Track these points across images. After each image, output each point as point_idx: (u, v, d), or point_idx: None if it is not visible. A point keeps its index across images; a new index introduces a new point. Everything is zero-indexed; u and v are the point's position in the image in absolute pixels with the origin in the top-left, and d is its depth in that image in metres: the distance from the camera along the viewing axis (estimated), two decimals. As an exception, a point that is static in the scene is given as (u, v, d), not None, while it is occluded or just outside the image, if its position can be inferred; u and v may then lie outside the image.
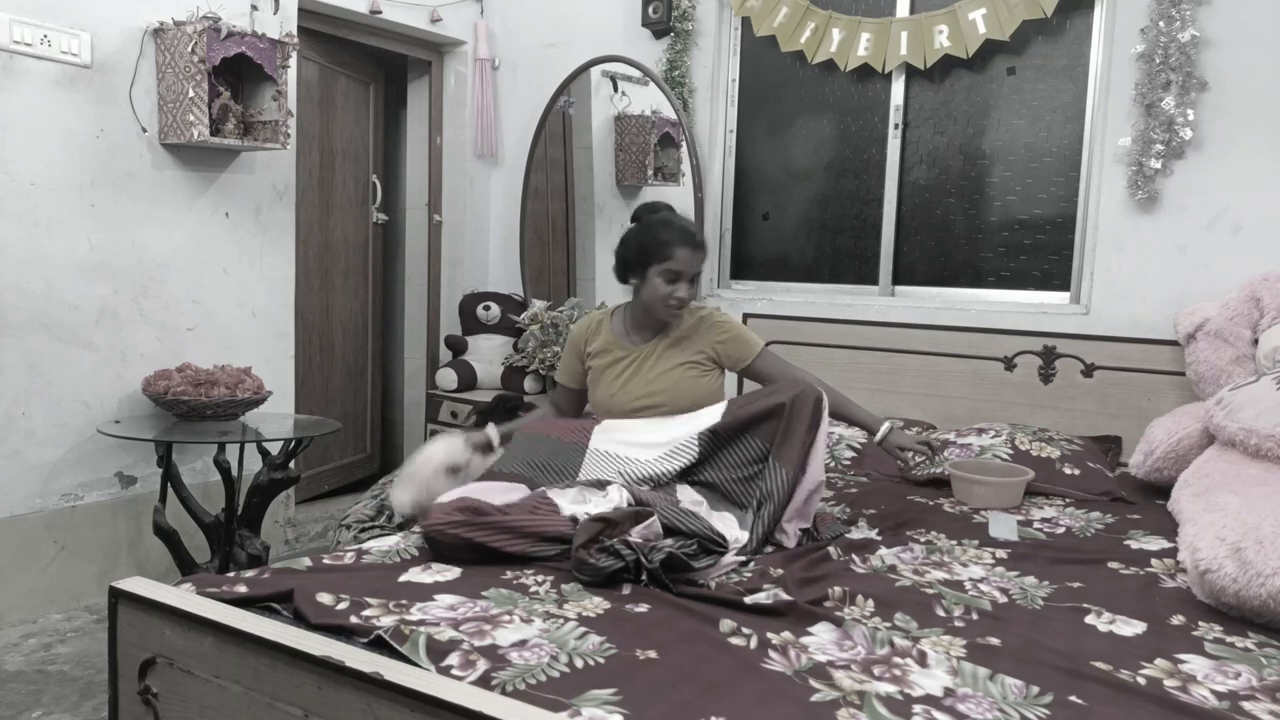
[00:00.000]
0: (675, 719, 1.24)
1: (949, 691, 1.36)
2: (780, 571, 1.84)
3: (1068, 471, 2.69)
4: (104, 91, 2.96)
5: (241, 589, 1.62)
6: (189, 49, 2.95)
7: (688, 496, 2.10)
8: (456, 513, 1.88)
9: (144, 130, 3.06)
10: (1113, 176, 3.13)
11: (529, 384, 4.08)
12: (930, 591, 1.80)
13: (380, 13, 3.87)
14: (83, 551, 3.03)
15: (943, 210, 3.57)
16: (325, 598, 1.57)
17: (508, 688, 1.30)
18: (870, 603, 1.71)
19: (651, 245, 2.35)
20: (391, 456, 4.56)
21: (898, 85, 3.58)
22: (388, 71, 4.45)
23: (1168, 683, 1.43)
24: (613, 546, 1.76)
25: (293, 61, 3.19)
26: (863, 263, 3.73)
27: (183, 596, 1.56)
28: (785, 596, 1.68)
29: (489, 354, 4.26)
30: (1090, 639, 1.61)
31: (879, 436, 2.46)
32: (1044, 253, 3.39)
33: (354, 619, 1.50)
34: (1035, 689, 1.37)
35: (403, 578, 1.75)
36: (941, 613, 1.70)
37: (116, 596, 1.58)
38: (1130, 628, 1.66)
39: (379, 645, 1.41)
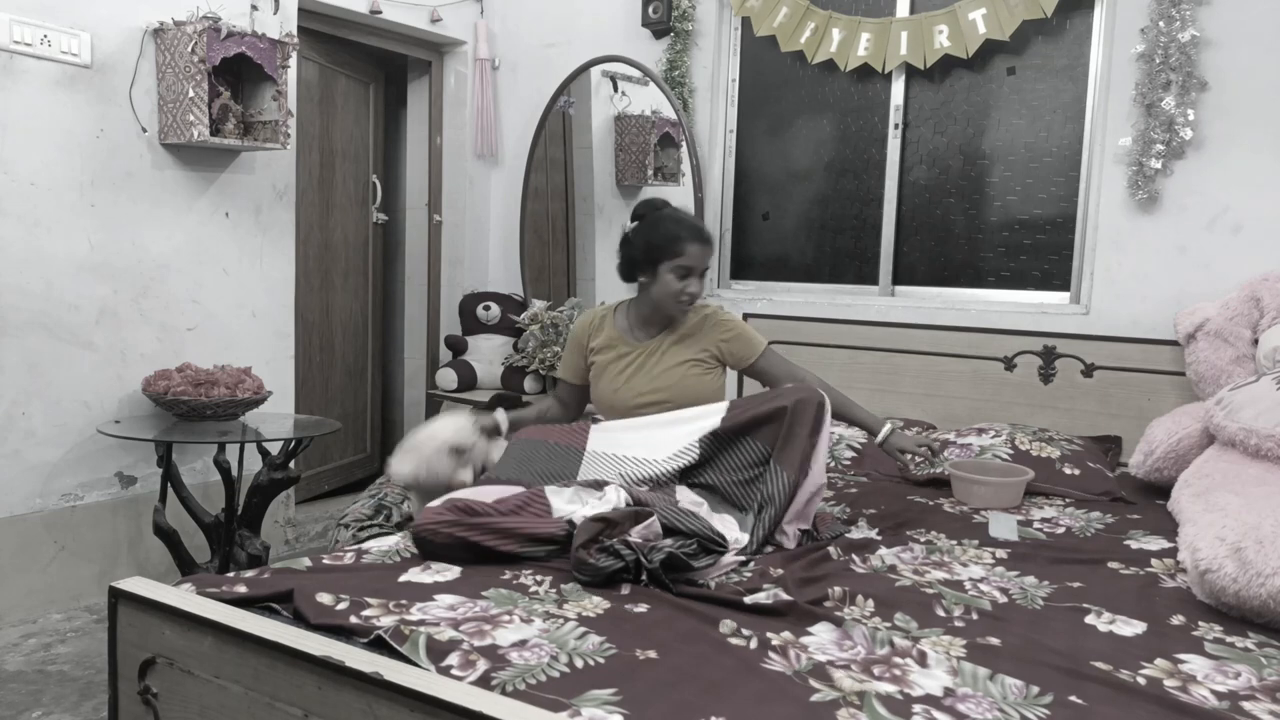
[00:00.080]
0: (675, 719, 1.24)
1: (949, 691, 1.36)
2: (780, 571, 1.84)
3: (1068, 471, 2.69)
4: (104, 91, 2.96)
5: (241, 589, 1.62)
6: (189, 49, 2.95)
7: (686, 498, 2.10)
8: (447, 513, 1.88)
9: (144, 130, 3.06)
10: (1113, 176, 3.13)
11: (529, 384, 4.08)
12: (930, 591, 1.80)
13: (380, 13, 3.87)
14: (83, 551, 3.03)
15: (943, 210, 3.57)
16: (325, 598, 1.57)
17: (508, 688, 1.30)
18: (870, 603, 1.71)
19: (662, 242, 2.35)
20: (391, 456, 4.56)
21: (898, 85, 3.59)
22: (388, 71, 4.45)
23: (1168, 683, 1.43)
24: (613, 547, 1.76)
25: (293, 61, 3.20)
26: (863, 263, 3.73)
27: (183, 596, 1.56)
28: (785, 596, 1.68)
29: (489, 354, 4.26)
30: (1090, 639, 1.61)
31: (880, 438, 2.45)
32: (1044, 253, 3.39)
33: (354, 619, 1.50)
34: (1035, 689, 1.37)
35: (403, 578, 1.75)
36: (941, 613, 1.70)
37: (116, 596, 1.58)
38: (1130, 628, 1.66)
39: (379, 645, 1.41)
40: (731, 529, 2.01)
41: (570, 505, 1.95)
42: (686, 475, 2.16)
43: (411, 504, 2.44)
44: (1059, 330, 3.21)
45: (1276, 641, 1.63)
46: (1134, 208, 3.10)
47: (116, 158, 3.01)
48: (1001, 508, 2.46)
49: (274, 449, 2.98)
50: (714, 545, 1.86)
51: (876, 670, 1.43)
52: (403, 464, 2.26)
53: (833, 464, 2.92)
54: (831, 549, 2.03)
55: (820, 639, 1.55)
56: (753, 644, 1.50)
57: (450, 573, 1.78)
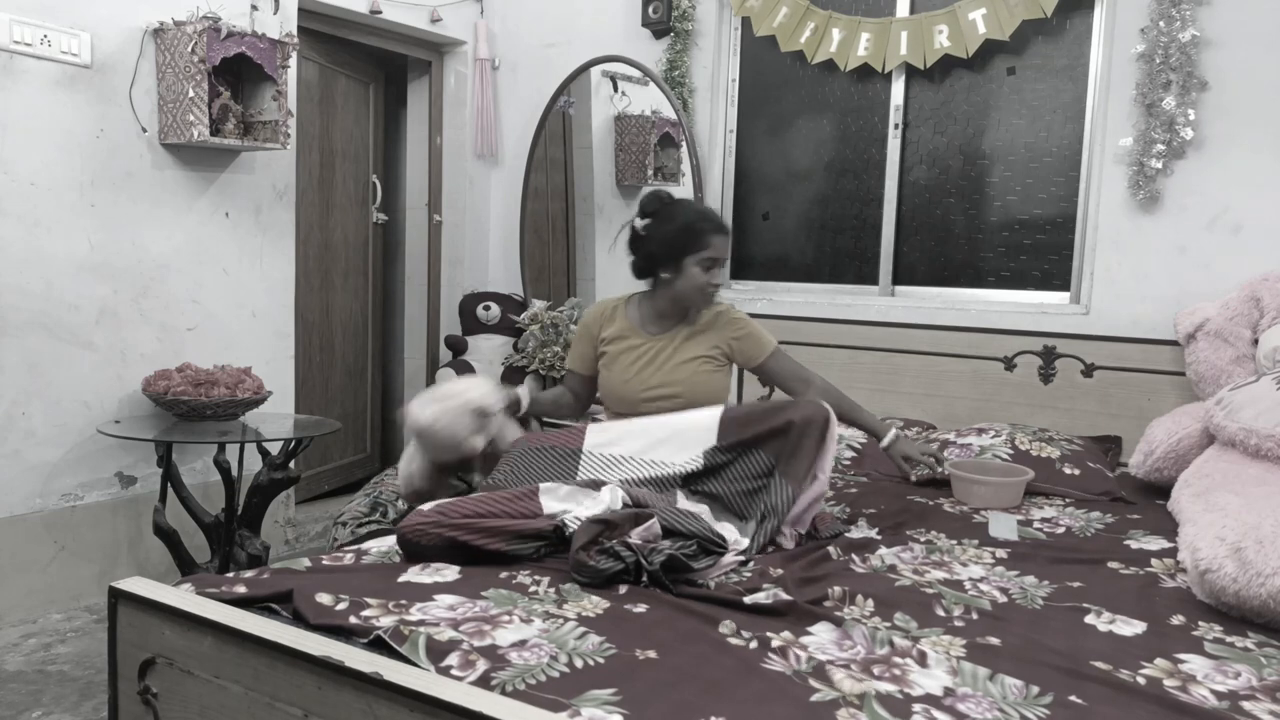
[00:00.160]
0: (675, 719, 1.24)
1: (949, 691, 1.36)
2: (780, 571, 1.84)
3: (1068, 471, 2.69)
4: (104, 91, 2.96)
5: (241, 589, 1.62)
6: (189, 49, 2.95)
7: (686, 503, 2.09)
8: (433, 513, 1.87)
9: (144, 130, 3.06)
10: (1113, 176, 3.13)
11: (529, 384, 4.08)
12: (930, 591, 1.80)
13: (380, 13, 3.87)
14: (83, 551, 3.03)
15: (943, 210, 3.57)
16: (325, 598, 1.56)
17: (507, 688, 1.30)
18: (870, 602, 1.71)
19: (685, 235, 2.36)
20: (391, 457, 4.56)
21: (898, 85, 3.59)
22: (388, 71, 4.45)
23: (1168, 683, 1.43)
24: (612, 548, 1.76)
25: (293, 61, 3.20)
26: (863, 263, 3.73)
27: (182, 596, 1.56)
28: (785, 596, 1.68)
29: (489, 354, 4.25)
30: (1090, 639, 1.61)
31: (885, 443, 2.45)
32: (1044, 253, 3.39)
33: (353, 619, 1.50)
34: (1035, 689, 1.37)
35: (402, 578, 1.74)
36: (941, 612, 1.70)
37: (116, 596, 1.58)
38: (1130, 627, 1.66)
39: (378, 645, 1.41)
40: (731, 534, 2.00)
41: (563, 504, 1.93)
42: (689, 481, 2.14)
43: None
44: (1059, 330, 3.21)
45: (1276, 641, 1.63)
46: (1134, 208, 3.10)
47: (116, 158, 3.01)
48: (1001, 508, 2.46)
49: (274, 449, 2.98)
50: (714, 546, 1.86)
51: (876, 670, 1.42)
52: (425, 409, 2.22)
53: (833, 464, 2.91)
54: (831, 549, 2.03)
55: (820, 639, 1.54)
56: (753, 644, 1.50)
57: (450, 573, 1.78)
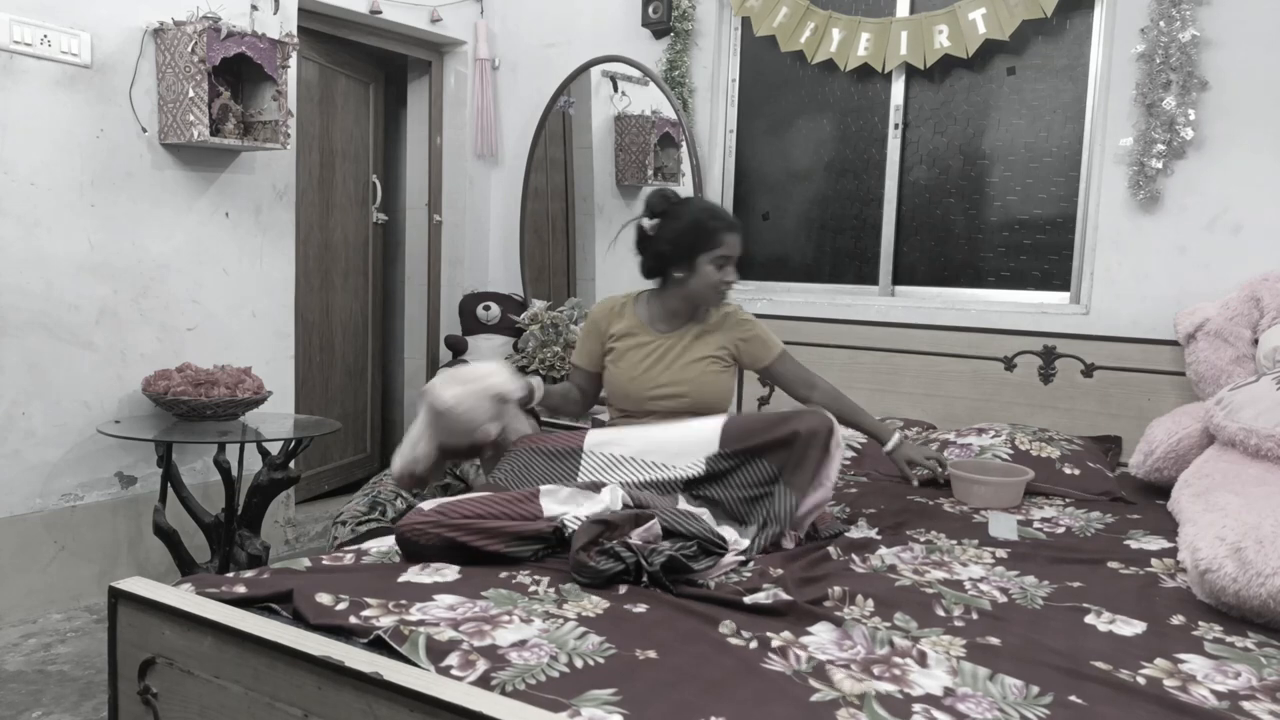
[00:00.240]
0: (675, 719, 1.24)
1: (949, 691, 1.36)
2: (780, 571, 1.83)
3: (1068, 471, 2.69)
4: (104, 91, 2.96)
5: (241, 589, 1.62)
6: (189, 49, 2.95)
7: (686, 506, 2.08)
8: (433, 513, 1.87)
9: (144, 130, 3.06)
10: (1113, 176, 3.13)
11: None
12: (930, 591, 1.80)
13: (380, 13, 3.87)
14: (83, 551, 3.03)
15: (943, 210, 3.57)
16: (325, 598, 1.56)
17: (507, 688, 1.29)
18: (870, 602, 1.71)
19: (698, 234, 2.36)
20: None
21: (898, 85, 3.59)
22: (388, 71, 4.45)
23: (1168, 682, 1.43)
24: (613, 549, 1.76)
25: (293, 61, 3.20)
26: (863, 263, 3.73)
27: (182, 596, 1.56)
28: (785, 596, 1.68)
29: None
30: (1090, 639, 1.61)
31: (889, 447, 2.45)
32: (1044, 253, 3.39)
33: (353, 619, 1.49)
34: (1035, 689, 1.37)
35: (402, 578, 1.74)
36: (941, 612, 1.70)
37: (116, 596, 1.58)
38: (1130, 627, 1.66)
39: (378, 645, 1.41)
40: (731, 535, 2.00)
41: (563, 506, 1.93)
42: (690, 486, 2.12)
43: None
44: (1059, 330, 3.21)
45: (1276, 641, 1.63)
46: (1134, 208, 3.10)
47: (116, 158, 3.01)
48: (1001, 507, 2.46)
49: (274, 449, 2.98)
50: (714, 547, 1.86)
51: (876, 670, 1.42)
52: (446, 389, 2.19)
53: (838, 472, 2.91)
54: (831, 549, 2.03)
55: (820, 639, 1.54)
56: (753, 644, 1.50)
57: (450, 573, 1.77)
